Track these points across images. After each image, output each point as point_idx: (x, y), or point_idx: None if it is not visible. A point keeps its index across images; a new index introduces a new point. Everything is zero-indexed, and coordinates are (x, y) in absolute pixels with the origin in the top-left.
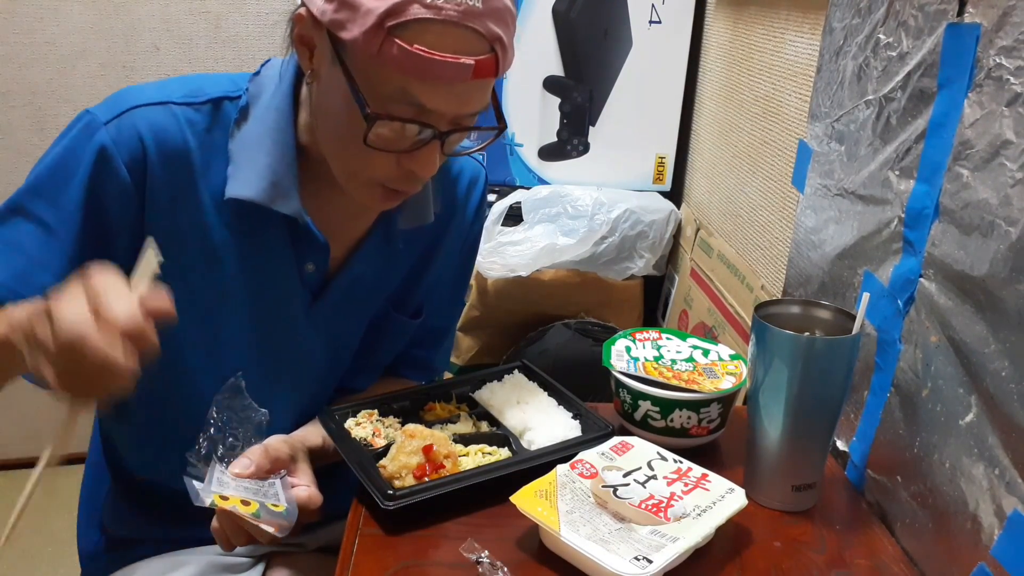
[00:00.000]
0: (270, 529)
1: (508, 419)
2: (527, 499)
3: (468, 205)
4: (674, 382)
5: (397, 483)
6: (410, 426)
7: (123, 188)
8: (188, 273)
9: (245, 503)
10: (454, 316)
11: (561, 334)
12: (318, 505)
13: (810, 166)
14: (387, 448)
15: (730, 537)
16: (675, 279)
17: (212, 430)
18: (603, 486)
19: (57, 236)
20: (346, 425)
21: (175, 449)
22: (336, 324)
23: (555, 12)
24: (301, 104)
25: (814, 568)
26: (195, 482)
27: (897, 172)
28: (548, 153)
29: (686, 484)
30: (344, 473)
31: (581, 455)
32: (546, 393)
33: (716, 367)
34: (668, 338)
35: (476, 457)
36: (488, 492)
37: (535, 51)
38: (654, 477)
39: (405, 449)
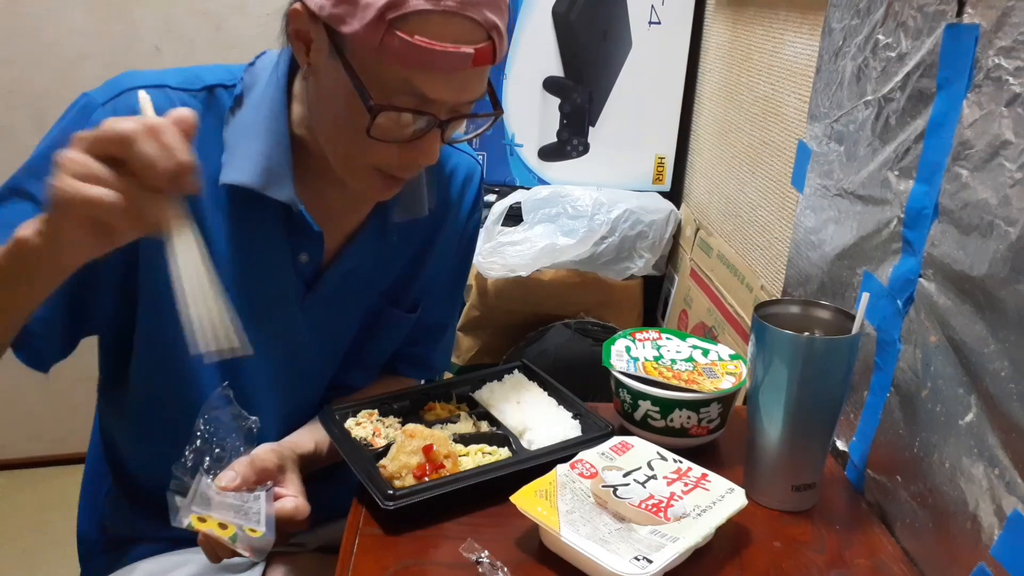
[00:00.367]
0: (245, 554)
1: (508, 419)
2: (527, 499)
3: (463, 201)
4: (674, 382)
5: (397, 483)
6: (410, 426)
7: None
8: None
9: (223, 526)
10: (452, 313)
11: (561, 334)
12: (305, 516)
13: (809, 166)
14: (387, 448)
15: (730, 537)
16: (675, 279)
17: (199, 442)
18: (603, 486)
19: None
20: (346, 425)
21: (174, 445)
22: (329, 316)
23: (555, 13)
24: (295, 98)
25: (814, 568)
26: (177, 498)
27: (896, 172)
28: (548, 153)
29: (686, 484)
30: (344, 473)
31: (581, 455)
32: (546, 393)
33: (716, 367)
34: (668, 338)
35: (476, 457)
36: (488, 492)
37: (535, 52)
38: (654, 477)
39: (405, 449)
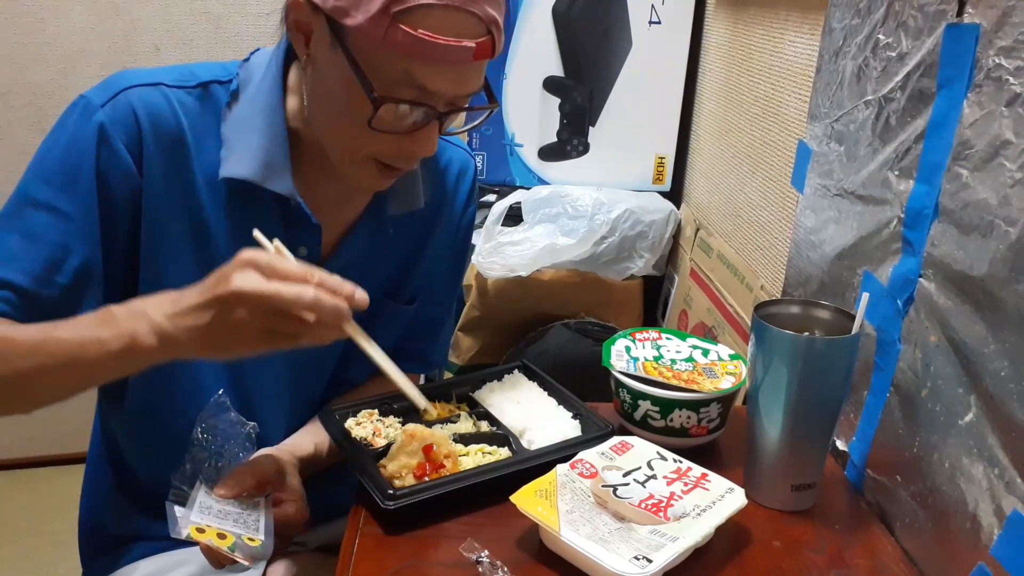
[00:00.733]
0: (244, 562)
1: (508, 419)
2: (527, 499)
3: (458, 194)
4: (674, 382)
5: (397, 483)
6: (410, 426)
7: (124, 168)
8: (181, 254)
9: (221, 536)
10: (449, 309)
11: (561, 334)
12: (304, 520)
13: (809, 166)
14: (387, 448)
15: (730, 537)
16: (675, 279)
17: (197, 450)
18: (603, 486)
19: (74, 221)
20: (346, 425)
21: (176, 444)
22: None
23: (555, 12)
24: (289, 90)
25: (814, 568)
26: (176, 508)
27: (896, 172)
28: (548, 153)
29: (686, 484)
30: (344, 472)
31: (581, 455)
32: (546, 393)
33: (716, 367)
34: (668, 338)
35: (476, 457)
36: (488, 492)
37: (535, 51)
38: (654, 477)
39: (405, 449)
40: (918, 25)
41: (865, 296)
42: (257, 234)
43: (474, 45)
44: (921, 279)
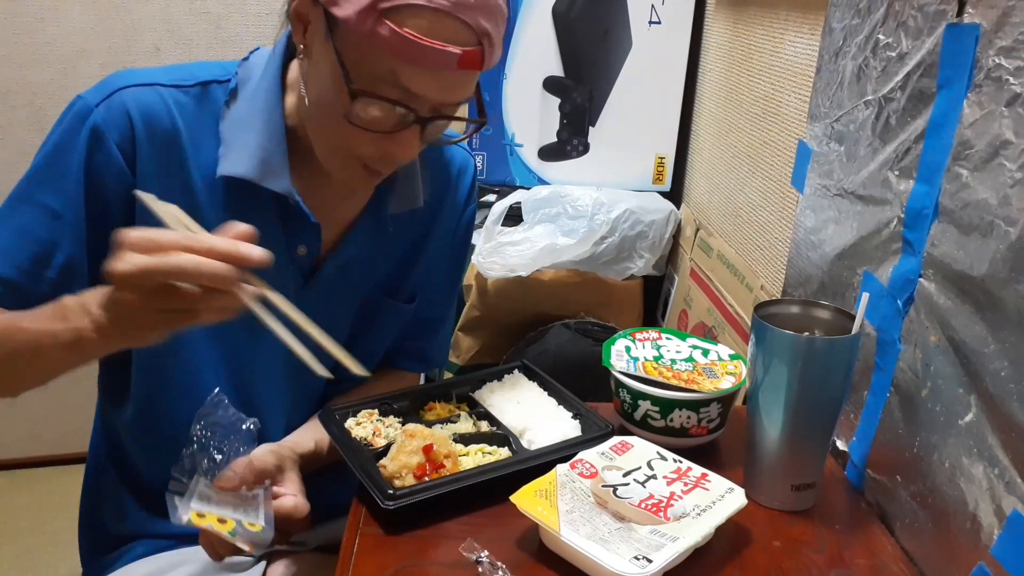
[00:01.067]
0: (245, 548)
1: (508, 419)
2: (527, 499)
3: (458, 193)
4: (674, 382)
5: (397, 483)
6: (410, 426)
7: (116, 166)
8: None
9: (222, 521)
10: (449, 307)
11: (561, 334)
12: (304, 514)
13: (809, 166)
14: (387, 448)
15: (730, 537)
16: (675, 279)
17: (196, 446)
18: (603, 486)
19: (63, 219)
20: (346, 425)
21: (176, 439)
22: (327, 307)
23: (555, 12)
24: (288, 88)
25: (814, 568)
26: (176, 498)
27: (896, 172)
28: (548, 153)
29: (686, 484)
30: (345, 471)
31: (581, 455)
32: (546, 393)
33: (716, 367)
34: (668, 338)
35: (476, 457)
36: (488, 492)
37: (535, 51)
38: (654, 477)
39: (405, 449)
40: (918, 25)
41: (865, 296)
42: (142, 195)
43: (459, 52)
44: (921, 279)
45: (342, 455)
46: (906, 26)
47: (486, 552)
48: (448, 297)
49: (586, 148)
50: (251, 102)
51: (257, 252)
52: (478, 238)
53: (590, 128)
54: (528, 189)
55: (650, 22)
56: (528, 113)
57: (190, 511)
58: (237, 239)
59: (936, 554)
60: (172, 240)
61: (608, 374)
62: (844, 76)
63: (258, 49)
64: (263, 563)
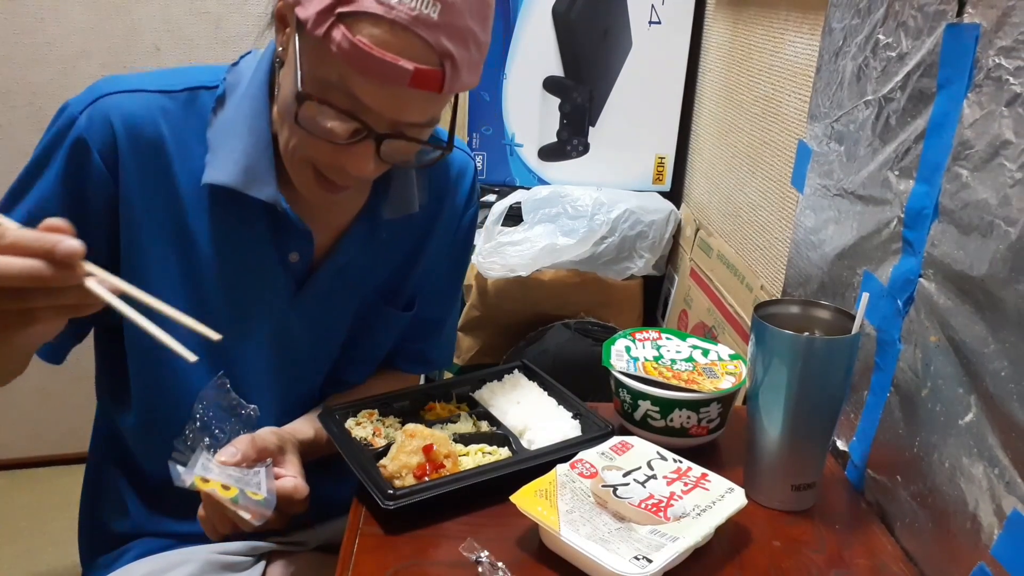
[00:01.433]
0: (247, 516)
1: (508, 419)
2: (527, 499)
3: (457, 195)
4: (674, 382)
5: (397, 483)
6: (410, 426)
7: (99, 174)
8: (163, 260)
9: (225, 487)
10: (449, 309)
11: (561, 334)
12: (304, 496)
13: (809, 166)
14: (387, 448)
15: (730, 537)
16: (675, 279)
17: (198, 424)
18: (603, 486)
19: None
20: (346, 425)
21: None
22: (322, 313)
23: (555, 12)
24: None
25: (814, 568)
26: (179, 466)
27: (896, 172)
28: (548, 153)
29: (686, 484)
30: (344, 470)
31: (581, 455)
32: (546, 393)
33: (716, 367)
34: (668, 338)
35: (476, 457)
36: (488, 492)
37: (535, 51)
38: (654, 477)
39: (405, 449)
40: (918, 25)
41: (865, 296)
42: None
43: (412, 68)
44: (921, 279)
45: (342, 455)
46: (906, 26)
47: (486, 552)
48: (449, 299)
49: (586, 148)
50: (238, 108)
51: (65, 245)
52: (478, 238)
53: (590, 128)
54: (528, 189)
55: (650, 22)
56: (528, 113)
57: (193, 475)
58: (48, 231)
59: (936, 554)
60: None
61: (608, 374)
62: (844, 76)
63: (249, 53)
64: (263, 563)
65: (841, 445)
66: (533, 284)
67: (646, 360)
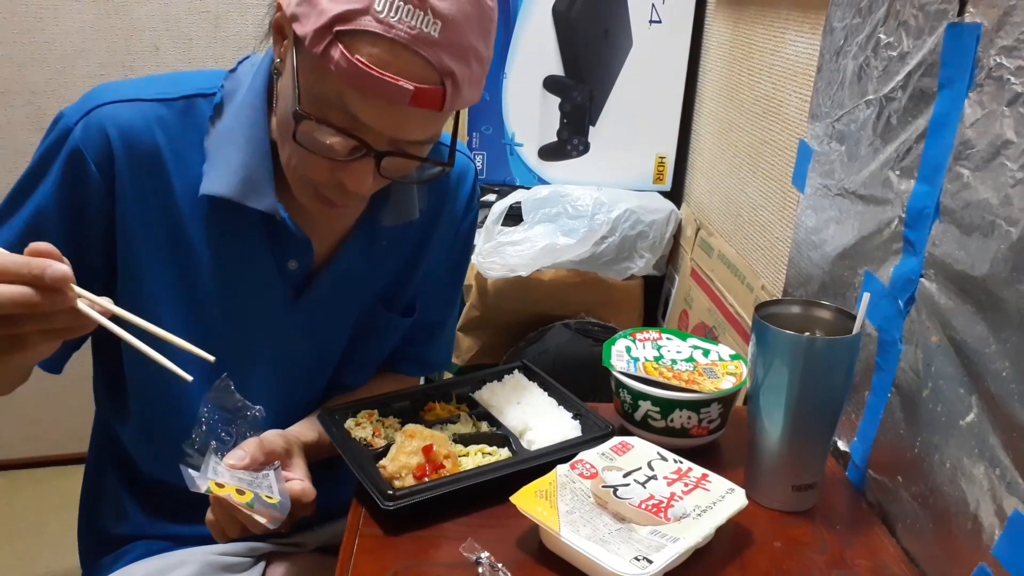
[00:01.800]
0: (262, 520)
1: (508, 419)
2: (527, 499)
3: (458, 199)
4: (674, 382)
5: (397, 483)
6: (410, 426)
7: (96, 185)
8: (160, 270)
9: (240, 492)
10: (449, 312)
11: (561, 334)
12: (312, 499)
13: (810, 166)
14: (387, 448)
15: (730, 537)
16: (675, 279)
17: (205, 427)
18: (603, 486)
19: (38, 237)
20: (346, 425)
21: (174, 448)
22: (321, 321)
23: (555, 12)
24: (275, 100)
25: (815, 568)
26: (191, 470)
27: (898, 172)
28: (548, 153)
29: (686, 484)
30: (344, 471)
31: (581, 455)
32: (546, 393)
33: (716, 367)
34: (668, 338)
35: (476, 457)
36: (488, 492)
37: (535, 51)
38: (654, 477)
39: (405, 449)
40: (919, 24)
41: (866, 296)
42: None
43: (412, 88)
44: (922, 279)
45: (342, 456)
46: (907, 25)
47: (486, 552)
48: (448, 303)
49: (586, 148)
50: (236, 117)
51: (53, 270)
52: (478, 238)
53: (590, 128)
54: (528, 189)
55: (650, 21)
56: (528, 113)
57: (208, 481)
58: (35, 255)
59: (937, 555)
60: None
61: (608, 374)
62: (845, 75)
63: (247, 58)
64: (262, 564)
65: (842, 445)
66: (533, 284)
67: (646, 360)
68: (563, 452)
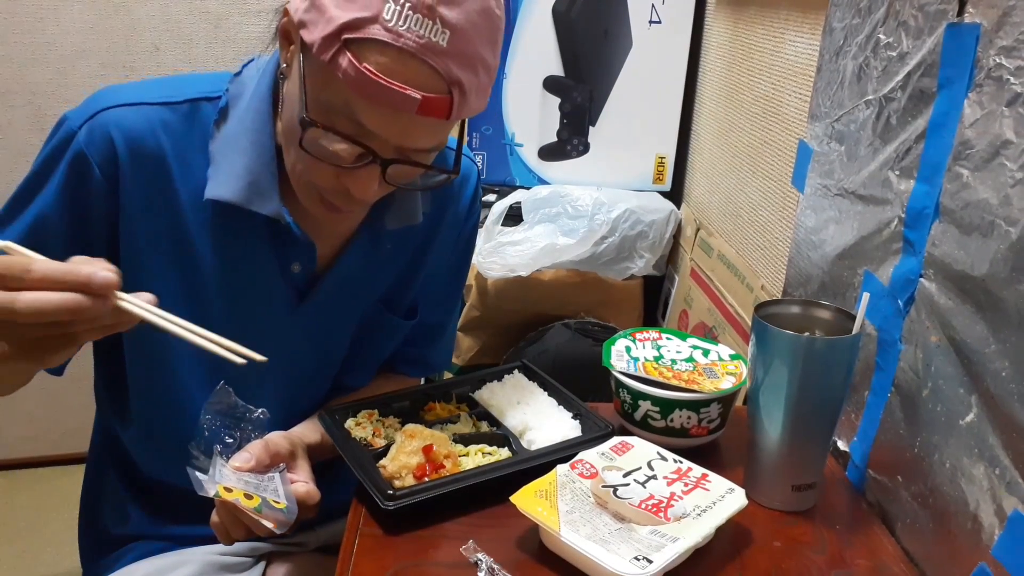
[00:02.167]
0: (270, 524)
1: (508, 419)
2: (527, 499)
3: (460, 202)
4: (674, 382)
5: (397, 483)
6: (410, 426)
7: (100, 189)
8: (164, 274)
9: (248, 497)
10: (450, 314)
11: (561, 334)
12: (316, 501)
13: (810, 166)
14: (387, 448)
15: (730, 537)
16: (675, 279)
17: (207, 432)
18: (603, 486)
19: (42, 241)
20: (346, 425)
21: (176, 450)
22: (324, 324)
23: (555, 12)
24: (280, 104)
25: (814, 568)
26: (198, 473)
27: (897, 172)
28: (548, 153)
29: (686, 484)
30: (344, 471)
31: (581, 455)
32: (546, 393)
33: (716, 367)
34: (668, 338)
35: (476, 457)
36: (488, 492)
37: (535, 51)
38: (654, 477)
39: (405, 449)
40: (919, 25)
41: (866, 296)
42: None
43: (419, 97)
44: (922, 279)
45: (342, 456)
46: (907, 26)
47: (486, 553)
48: (450, 305)
49: (586, 148)
50: (240, 121)
51: (100, 276)
52: (478, 238)
53: (590, 128)
54: (528, 189)
55: (650, 21)
56: (528, 113)
57: (216, 485)
58: (80, 264)
59: (937, 554)
60: (8, 274)
61: (608, 374)
62: (845, 76)
63: (252, 61)
64: (263, 564)
65: (842, 445)
66: (533, 284)
67: (646, 360)
68: (563, 452)
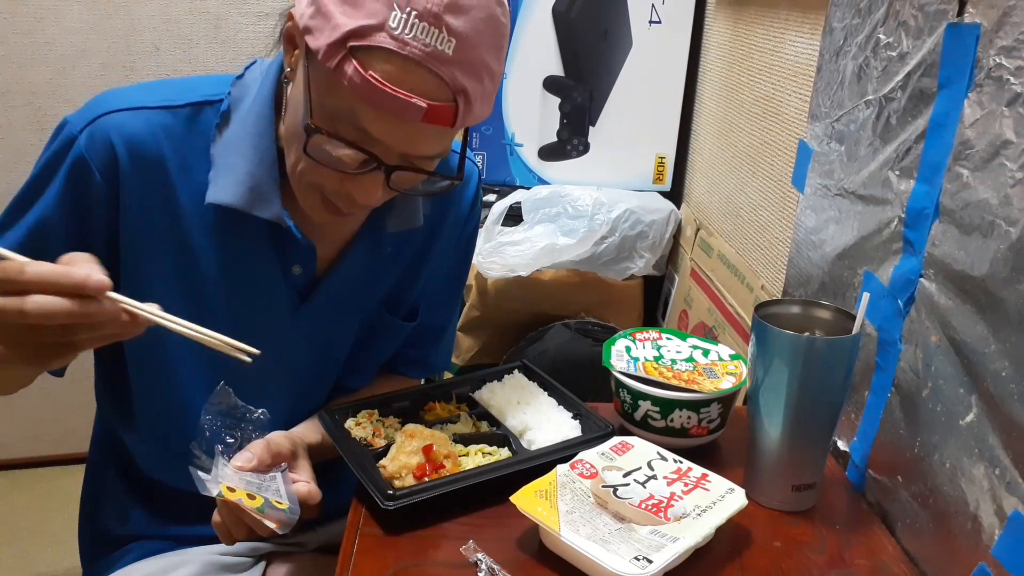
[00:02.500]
0: (272, 525)
1: (508, 419)
2: (527, 499)
3: (461, 204)
4: (674, 382)
5: (397, 483)
6: (410, 426)
7: (100, 194)
8: (164, 278)
9: (251, 497)
10: (450, 315)
11: (561, 334)
12: (317, 501)
13: (810, 166)
14: (387, 448)
15: (730, 537)
16: (675, 279)
17: (208, 433)
18: (603, 486)
19: (42, 245)
20: (346, 425)
21: (177, 450)
22: (325, 326)
23: (555, 12)
24: (283, 107)
25: (814, 568)
26: (200, 473)
27: (897, 172)
28: (548, 153)
29: (686, 484)
30: (344, 471)
31: (581, 455)
32: (546, 393)
33: (716, 367)
34: (668, 338)
35: (476, 457)
36: (488, 492)
37: (535, 51)
38: (654, 477)
39: (405, 449)
40: (919, 25)
41: (866, 296)
42: None
43: (425, 105)
44: (922, 279)
45: (342, 455)
46: (907, 26)
47: (486, 553)
48: (450, 306)
49: (586, 148)
50: (243, 125)
51: (95, 279)
52: (478, 238)
53: (590, 128)
54: (528, 189)
55: (650, 21)
56: (528, 113)
57: (219, 485)
58: (72, 263)
59: (937, 555)
60: (5, 279)
61: (608, 374)
62: (845, 76)
63: (255, 63)
64: (263, 564)
65: (842, 445)
66: (533, 284)
67: (646, 360)
68: (563, 452)
